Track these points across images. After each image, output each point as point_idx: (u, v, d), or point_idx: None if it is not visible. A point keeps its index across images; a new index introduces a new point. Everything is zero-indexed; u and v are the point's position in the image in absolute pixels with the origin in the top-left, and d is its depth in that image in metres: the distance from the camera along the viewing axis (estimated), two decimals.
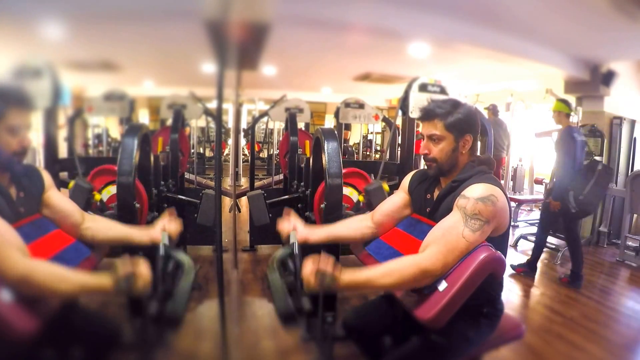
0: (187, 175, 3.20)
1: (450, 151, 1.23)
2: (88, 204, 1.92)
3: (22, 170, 1.16)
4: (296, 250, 1.23)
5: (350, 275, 1.05)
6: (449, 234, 1.09)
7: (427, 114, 1.25)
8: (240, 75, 1.54)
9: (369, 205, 2.04)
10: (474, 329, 1.20)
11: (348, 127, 5.26)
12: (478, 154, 1.32)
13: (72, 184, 1.92)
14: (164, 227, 1.28)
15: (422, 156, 1.30)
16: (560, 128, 2.98)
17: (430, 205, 1.30)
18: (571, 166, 2.83)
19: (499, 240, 1.16)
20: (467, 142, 1.24)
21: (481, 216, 1.09)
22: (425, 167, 1.32)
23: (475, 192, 1.12)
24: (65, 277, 0.98)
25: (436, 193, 1.31)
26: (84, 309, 1.33)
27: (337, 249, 1.82)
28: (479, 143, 1.36)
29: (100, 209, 1.97)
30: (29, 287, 0.94)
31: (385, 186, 2.07)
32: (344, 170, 1.93)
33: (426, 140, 1.26)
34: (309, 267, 1.03)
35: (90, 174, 2.10)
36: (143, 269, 1.00)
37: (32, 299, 0.95)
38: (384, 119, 4.01)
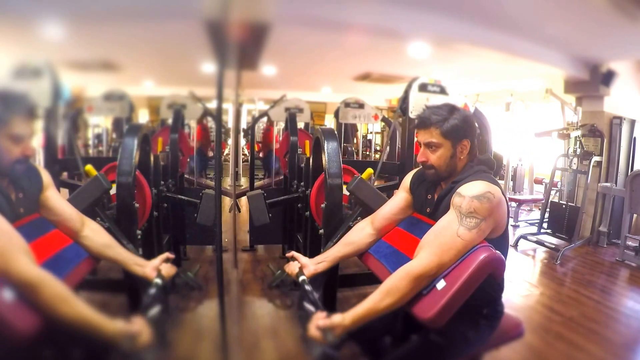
0: (187, 175, 3.20)
1: (448, 157, 1.23)
2: (97, 201, 1.75)
3: (22, 171, 1.15)
4: (308, 286, 1.25)
5: (353, 313, 1.06)
6: (442, 235, 1.10)
7: (423, 122, 1.24)
8: (240, 75, 1.54)
9: (357, 202, 1.97)
10: (473, 330, 1.20)
11: (354, 128, 5.13)
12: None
13: (92, 173, 1.76)
14: (160, 268, 1.24)
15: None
16: None
17: (430, 205, 1.31)
18: None
19: (498, 242, 1.16)
20: (464, 147, 1.24)
21: (477, 214, 1.08)
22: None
23: (470, 190, 1.12)
24: (70, 301, 0.95)
25: (437, 194, 1.31)
26: None
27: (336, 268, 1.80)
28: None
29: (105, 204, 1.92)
30: (32, 295, 0.92)
31: (367, 172, 1.97)
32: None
33: (423, 147, 1.26)
34: (311, 327, 1.05)
35: (103, 169, 2.03)
36: (145, 331, 0.98)
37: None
38: (384, 119, 4.01)
